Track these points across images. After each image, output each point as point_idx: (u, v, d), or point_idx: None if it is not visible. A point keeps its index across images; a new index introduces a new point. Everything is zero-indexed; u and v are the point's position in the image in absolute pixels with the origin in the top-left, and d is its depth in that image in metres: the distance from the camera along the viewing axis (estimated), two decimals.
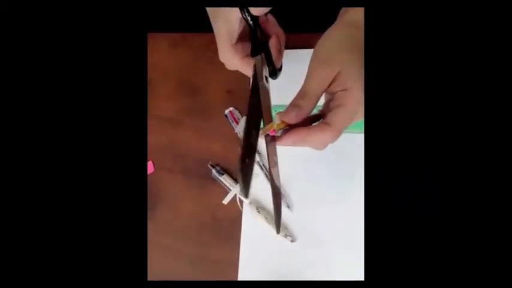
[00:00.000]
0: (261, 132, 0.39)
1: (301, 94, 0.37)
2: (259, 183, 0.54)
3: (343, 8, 0.42)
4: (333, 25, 0.40)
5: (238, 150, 0.38)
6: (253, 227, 0.53)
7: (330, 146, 0.38)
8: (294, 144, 0.37)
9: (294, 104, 0.37)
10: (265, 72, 0.44)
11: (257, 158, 0.54)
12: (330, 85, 0.37)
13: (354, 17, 0.39)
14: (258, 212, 0.53)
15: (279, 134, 0.38)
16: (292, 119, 0.37)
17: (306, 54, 0.44)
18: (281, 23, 0.47)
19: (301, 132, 0.36)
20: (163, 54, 0.63)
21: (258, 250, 0.53)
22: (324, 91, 0.37)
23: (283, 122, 0.37)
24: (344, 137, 0.42)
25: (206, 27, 0.48)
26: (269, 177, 0.40)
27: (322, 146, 0.38)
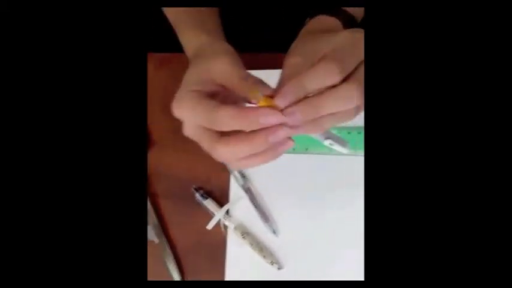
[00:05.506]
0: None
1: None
2: (244, 207, 0.53)
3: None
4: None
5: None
6: (239, 254, 0.51)
7: (318, 171, 0.36)
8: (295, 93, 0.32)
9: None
10: None
11: (241, 181, 0.53)
12: None
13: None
14: (244, 238, 0.51)
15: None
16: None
17: None
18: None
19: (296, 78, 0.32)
20: (148, 75, 0.61)
21: (243, 277, 0.50)
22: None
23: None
24: (333, 160, 0.40)
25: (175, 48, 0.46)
26: None
27: (329, 79, 0.31)
